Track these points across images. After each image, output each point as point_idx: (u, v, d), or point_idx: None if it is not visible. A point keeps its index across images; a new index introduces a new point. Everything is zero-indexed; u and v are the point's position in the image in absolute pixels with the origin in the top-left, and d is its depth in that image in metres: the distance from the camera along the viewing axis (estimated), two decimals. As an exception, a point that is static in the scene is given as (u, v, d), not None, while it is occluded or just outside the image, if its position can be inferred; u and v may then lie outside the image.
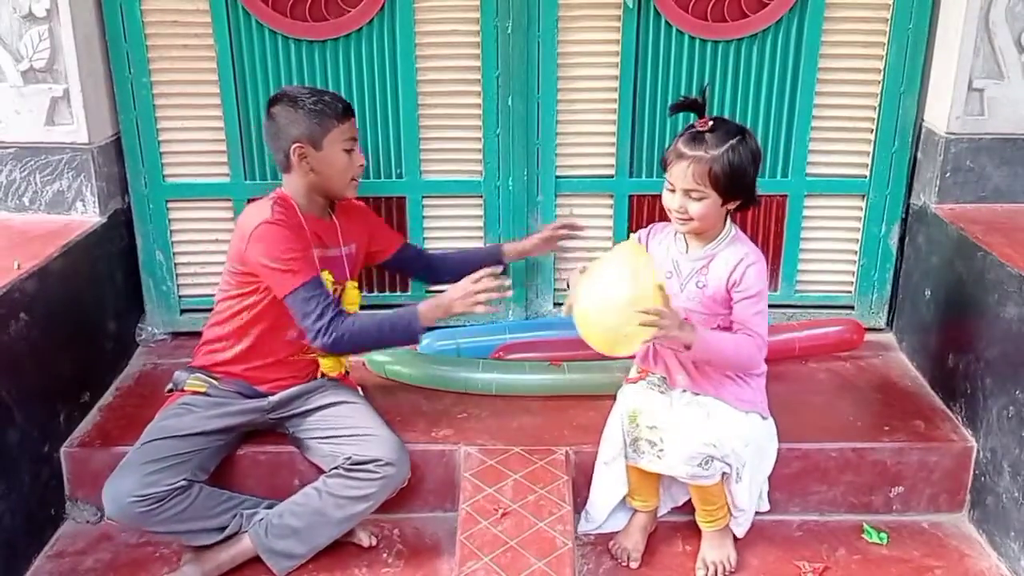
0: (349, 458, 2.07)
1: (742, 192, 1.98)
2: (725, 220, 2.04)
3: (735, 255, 2.01)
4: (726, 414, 2.04)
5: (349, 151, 2.15)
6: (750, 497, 2.10)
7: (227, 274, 2.17)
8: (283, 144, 2.12)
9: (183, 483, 2.00)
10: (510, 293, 2.21)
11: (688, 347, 1.92)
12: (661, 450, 2.03)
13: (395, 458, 2.07)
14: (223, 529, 2.05)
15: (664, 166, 2.02)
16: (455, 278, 2.22)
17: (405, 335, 2.17)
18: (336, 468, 2.08)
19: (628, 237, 2.70)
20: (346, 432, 2.13)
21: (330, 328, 2.06)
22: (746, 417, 2.06)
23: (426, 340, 2.65)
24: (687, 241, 2.08)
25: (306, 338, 2.11)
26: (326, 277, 2.16)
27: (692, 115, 2.02)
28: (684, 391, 2.09)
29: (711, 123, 1.96)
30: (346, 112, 2.15)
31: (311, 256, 2.11)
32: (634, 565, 2.12)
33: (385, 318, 2.16)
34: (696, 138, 1.95)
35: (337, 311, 2.09)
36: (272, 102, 2.16)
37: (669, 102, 2.58)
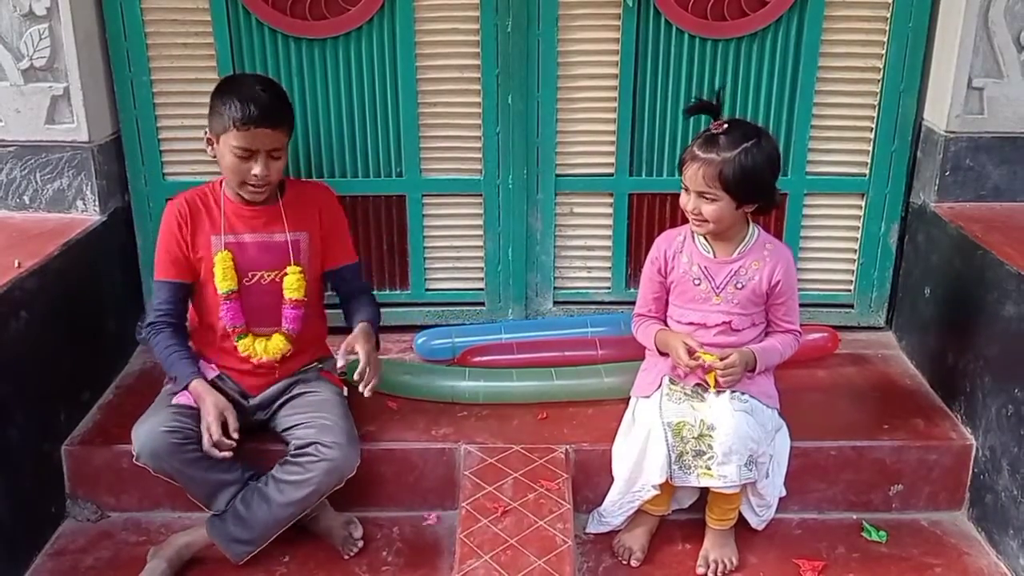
0: (297, 443, 2.09)
1: (757, 195, 2.00)
2: (748, 222, 2.07)
3: (771, 256, 2.07)
4: (760, 411, 2.05)
5: (242, 158, 2.08)
6: (774, 490, 2.12)
7: None
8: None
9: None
10: (226, 455, 2.03)
11: (752, 371, 2.03)
12: (711, 458, 1.98)
13: (336, 442, 2.05)
14: (235, 495, 2.07)
15: (680, 167, 2.03)
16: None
17: (173, 381, 2.15)
18: (287, 456, 2.10)
19: (629, 236, 2.72)
20: (302, 420, 2.14)
21: (144, 332, 2.21)
22: (773, 413, 2.09)
23: (422, 339, 2.65)
24: (711, 245, 2.08)
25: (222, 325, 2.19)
26: (223, 259, 2.14)
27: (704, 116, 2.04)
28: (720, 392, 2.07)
29: (725, 125, 1.97)
30: (247, 123, 2.04)
31: (177, 258, 2.16)
32: (635, 564, 2.12)
33: (171, 358, 2.13)
34: (711, 140, 1.97)
35: (156, 321, 2.16)
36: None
37: (669, 101, 2.59)
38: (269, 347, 2.19)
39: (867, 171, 2.68)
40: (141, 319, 2.74)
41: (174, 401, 2.11)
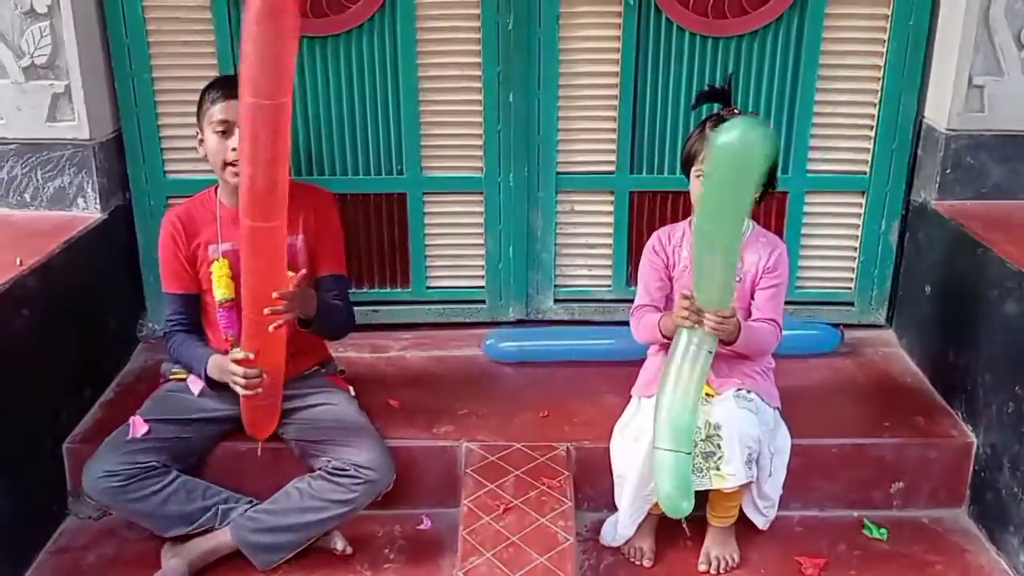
0: (330, 461, 2.08)
1: (769, 179, 1.99)
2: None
3: (766, 244, 2.08)
4: (764, 411, 2.05)
5: (222, 133, 2.09)
6: (777, 488, 2.11)
7: None
8: None
9: (155, 464, 2.04)
10: (257, 391, 2.02)
11: (731, 342, 1.97)
12: (720, 458, 1.96)
13: (377, 464, 2.07)
14: (193, 522, 2.06)
15: (690, 159, 2.03)
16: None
17: (196, 374, 2.19)
18: (319, 470, 2.10)
19: (630, 234, 2.73)
20: (330, 436, 2.13)
21: (166, 341, 2.26)
22: (775, 413, 2.09)
23: (489, 341, 2.64)
24: None
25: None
26: (220, 268, 2.15)
27: (701, 110, 2.03)
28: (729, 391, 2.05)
29: (737, 111, 1.99)
30: (221, 94, 2.07)
31: (177, 270, 2.20)
32: (647, 564, 2.11)
33: (188, 357, 2.19)
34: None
35: (170, 331, 2.23)
36: None
37: (670, 99, 2.59)
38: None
39: (868, 169, 2.68)
40: (142, 316, 2.75)
41: (129, 435, 2.09)
